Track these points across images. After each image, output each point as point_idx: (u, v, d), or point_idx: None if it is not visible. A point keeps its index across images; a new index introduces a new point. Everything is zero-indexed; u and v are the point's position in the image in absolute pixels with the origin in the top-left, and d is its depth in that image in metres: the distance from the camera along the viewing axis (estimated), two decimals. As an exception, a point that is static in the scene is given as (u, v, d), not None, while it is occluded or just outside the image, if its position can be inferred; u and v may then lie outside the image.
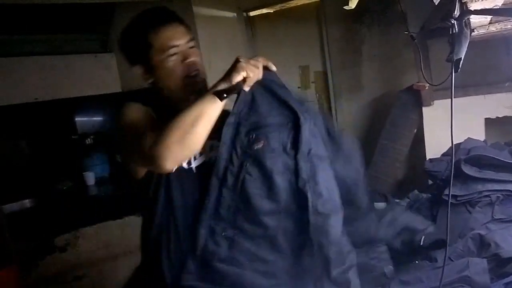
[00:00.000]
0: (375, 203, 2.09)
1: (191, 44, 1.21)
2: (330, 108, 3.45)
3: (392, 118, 2.73)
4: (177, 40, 1.19)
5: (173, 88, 1.20)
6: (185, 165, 1.17)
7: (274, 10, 3.51)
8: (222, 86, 1.06)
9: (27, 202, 3.41)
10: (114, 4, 3.39)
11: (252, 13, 3.59)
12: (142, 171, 1.19)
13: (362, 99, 3.24)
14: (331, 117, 3.45)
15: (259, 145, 1.11)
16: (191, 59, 1.20)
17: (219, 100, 1.05)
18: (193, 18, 3.07)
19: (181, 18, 1.25)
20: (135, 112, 1.20)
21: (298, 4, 3.40)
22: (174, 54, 1.18)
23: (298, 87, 3.58)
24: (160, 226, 1.20)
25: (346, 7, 1.98)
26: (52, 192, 3.59)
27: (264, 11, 3.54)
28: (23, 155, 3.48)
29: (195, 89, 1.20)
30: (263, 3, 3.48)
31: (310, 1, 3.35)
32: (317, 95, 3.51)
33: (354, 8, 2.73)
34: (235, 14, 3.52)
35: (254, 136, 1.12)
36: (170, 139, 1.04)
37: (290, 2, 3.37)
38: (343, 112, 3.37)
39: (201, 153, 1.20)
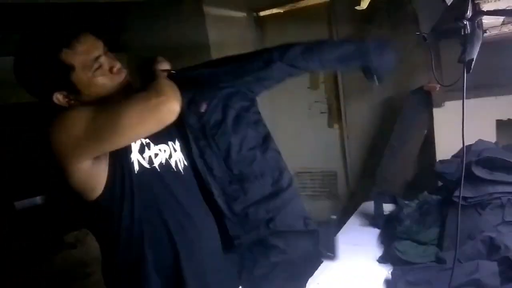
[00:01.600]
0: (384, 204, 2.09)
1: (105, 49, 1.15)
2: (339, 109, 3.44)
3: (402, 119, 2.72)
4: (96, 51, 1.11)
5: (101, 92, 1.13)
6: (146, 165, 1.17)
7: (284, 10, 3.50)
8: None
9: (38, 199, 3.45)
10: (126, 3, 3.41)
11: (262, 13, 3.60)
12: (98, 190, 1.11)
13: (372, 100, 3.22)
14: (341, 117, 3.45)
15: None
16: (117, 66, 1.15)
17: None
18: (203, 18, 3.08)
19: (84, 27, 1.14)
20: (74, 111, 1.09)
21: (309, 4, 3.39)
22: (99, 67, 1.11)
23: (308, 87, 3.58)
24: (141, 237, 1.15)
25: (357, 7, 1.97)
26: (62, 190, 3.62)
27: (274, 11, 3.54)
28: (34, 152, 3.52)
29: (120, 81, 1.16)
30: (273, 3, 3.48)
31: (320, 1, 3.34)
32: (327, 95, 3.51)
33: (366, 8, 2.72)
34: (245, 14, 3.53)
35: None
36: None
37: (300, 2, 3.37)
38: (353, 113, 3.36)
39: (156, 154, 1.21)
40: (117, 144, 1.08)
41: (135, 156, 1.15)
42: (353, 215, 2.26)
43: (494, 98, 2.37)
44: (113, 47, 3.69)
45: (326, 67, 1.52)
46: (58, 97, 1.10)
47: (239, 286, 1.41)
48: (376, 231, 2.00)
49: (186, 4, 3.13)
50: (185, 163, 1.29)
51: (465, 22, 0.95)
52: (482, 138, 1.96)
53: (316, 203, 3.76)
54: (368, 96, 3.23)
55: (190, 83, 1.29)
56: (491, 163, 1.65)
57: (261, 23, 3.64)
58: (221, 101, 1.36)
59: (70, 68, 1.06)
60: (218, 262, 1.31)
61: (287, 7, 3.47)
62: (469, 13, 0.96)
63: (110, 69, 1.13)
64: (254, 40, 3.62)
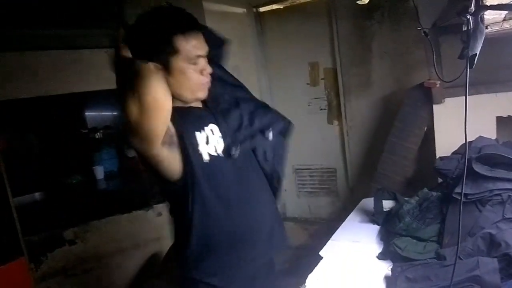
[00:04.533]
0: (383, 201, 2.08)
1: (207, 56, 1.27)
2: (339, 105, 3.44)
3: (402, 115, 2.71)
4: (201, 50, 1.23)
5: (182, 94, 1.27)
6: (214, 153, 1.30)
7: (284, 6, 3.50)
8: None
9: (37, 195, 3.45)
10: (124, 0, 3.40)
11: (262, 9, 3.59)
12: (176, 175, 1.24)
13: (372, 96, 3.22)
14: (340, 113, 3.45)
15: None
16: (208, 71, 1.27)
17: None
18: (203, 14, 3.06)
19: (203, 27, 1.28)
20: None
21: (308, 0, 3.38)
22: (196, 64, 1.23)
23: (307, 84, 3.57)
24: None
25: (359, 2, 1.96)
26: (61, 186, 3.62)
27: (274, 7, 3.53)
28: (34, 148, 3.52)
29: (203, 97, 1.32)
30: (273, -2, 3.47)
31: (320, -3, 3.33)
32: (326, 91, 3.50)
33: (366, 4, 2.71)
34: (244, 10, 3.52)
35: None
36: None
37: (300, -2, 3.37)
38: (353, 109, 3.36)
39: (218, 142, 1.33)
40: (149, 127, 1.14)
41: (203, 148, 1.27)
42: (353, 211, 2.26)
43: (495, 95, 2.36)
44: (112, 43, 3.65)
45: None
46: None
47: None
48: (376, 228, 1.99)
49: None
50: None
51: (468, 17, 0.95)
52: (482, 135, 1.96)
53: (315, 199, 3.76)
54: (368, 93, 3.22)
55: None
56: (491, 160, 1.65)
57: (260, 19, 3.63)
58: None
59: (176, 51, 1.18)
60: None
61: (287, 3, 3.46)
62: (472, 7, 0.95)
63: (201, 71, 1.25)
64: (253, 36, 3.61)
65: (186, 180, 1.25)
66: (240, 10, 3.48)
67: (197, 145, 1.26)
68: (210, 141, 1.30)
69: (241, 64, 3.17)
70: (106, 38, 3.68)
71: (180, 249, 1.36)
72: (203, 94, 1.30)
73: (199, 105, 1.37)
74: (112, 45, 1.27)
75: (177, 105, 1.26)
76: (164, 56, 1.19)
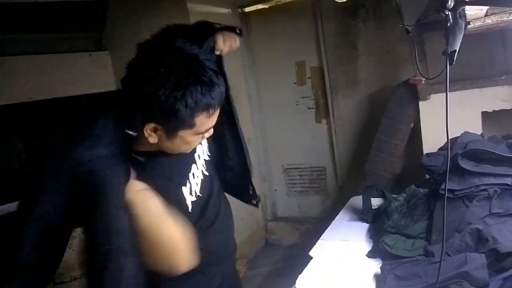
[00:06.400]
0: (372, 199, 2.08)
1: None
2: (327, 104, 3.44)
3: (388, 113, 2.72)
4: (211, 124, 1.08)
5: (170, 151, 1.10)
6: (194, 199, 1.22)
7: (269, 5, 3.49)
8: None
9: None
10: (108, 1, 3.36)
11: (247, 9, 3.58)
12: None
13: (359, 94, 3.23)
14: (328, 112, 3.45)
15: None
16: (210, 133, 1.13)
17: None
18: (187, 15, 3.04)
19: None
20: None
21: (293, -1, 3.38)
22: (203, 134, 1.09)
23: (295, 83, 3.57)
24: None
25: (338, 0, 1.96)
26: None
27: (259, 6, 3.52)
28: (18, 155, 3.46)
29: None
30: (258, -2, 3.46)
31: (305, -4, 3.33)
32: (314, 90, 3.50)
33: (350, 2, 2.71)
34: (230, 10, 3.50)
35: None
36: None
37: (285, -3, 3.36)
38: (340, 108, 3.36)
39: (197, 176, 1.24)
40: None
41: (189, 200, 1.20)
42: (342, 210, 2.25)
43: (479, 90, 2.38)
44: (96, 46, 3.64)
45: None
46: (149, 127, 1.02)
47: None
48: (365, 226, 1.99)
49: (169, 1, 3.09)
50: (208, 158, 1.33)
51: (447, 13, 0.94)
52: (468, 130, 1.96)
53: (305, 198, 3.76)
54: (355, 91, 3.23)
55: None
56: (477, 155, 1.65)
57: (246, 19, 3.62)
58: None
59: (191, 125, 1.02)
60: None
61: (272, 3, 3.46)
62: (450, 3, 0.94)
63: (203, 135, 1.12)
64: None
65: None
66: (225, 10, 3.46)
67: (184, 200, 1.18)
68: (192, 189, 1.21)
69: (227, 65, 3.15)
70: (90, 42, 3.66)
71: None
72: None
73: None
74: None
75: (151, 151, 1.10)
76: (174, 126, 1.02)
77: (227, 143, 1.37)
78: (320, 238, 1.94)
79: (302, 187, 3.77)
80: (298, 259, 1.78)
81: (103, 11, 3.46)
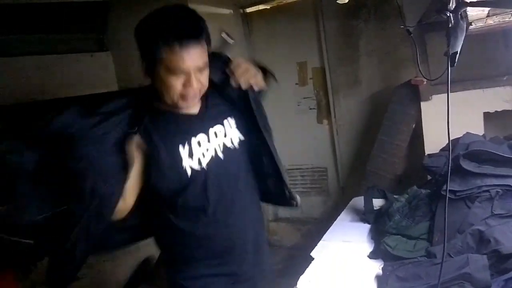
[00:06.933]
0: (373, 200, 2.08)
1: (201, 67, 1.16)
2: (328, 104, 3.44)
3: (390, 113, 2.72)
4: (187, 64, 1.12)
5: (165, 99, 1.19)
6: (197, 167, 1.24)
7: (271, 6, 3.49)
8: None
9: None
10: (109, 2, 3.37)
11: (248, 10, 3.58)
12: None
13: (360, 95, 3.22)
14: (329, 113, 3.45)
15: None
16: (194, 84, 1.16)
17: None
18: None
19: (202, 33, 1.16)
20: None
21: (295, 0, 3.37)
22: (179, 75, 1.14)
23: (296, 84, 3.57)
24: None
25: (339, 1, 1.95)
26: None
27: (261, 7, 3.52)
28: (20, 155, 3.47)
29: (186, 108, 1.24)
30: (259, -1, 3.46)
31: (306, -3, 3.32)
32: (315, 91, 3.50)
33: (351, 3, 2.71)
34: (231, 11, 3.50)
35: None
36: None
37: (286, -2, 3.36)
38: (342, 108, 3.36)
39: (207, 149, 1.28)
40: None
41: (186, 163, 1.23)
42: (344, 211, 2.25)
43: (481, 91, 2.37)
44: (98, 47, 3.65)
45: None
46: (143, 66, 1.18)
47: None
48: (367, 227, 1.99)
49: (170, 1, 3.10)
50: (242, 137, 1.36)
51: (448, 14, 0.94)
52: (469, 131, 1.96)
53: (307, 199, 3.76)
54: (356, 91, 3.23)
55: None
56: (479, 156, 1.65)
57: (247, 20, 3.62)
58: None
59: (159, 60, 1.12)
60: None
61: (274, 3, 3.45)
62: (452, 4, 0.94)
63: (184, 84, 1.16)
64: (241, 37, 3.59)
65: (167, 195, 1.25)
66: (226, 11, 3.47)
67: (180, 160, 1.23)
68: (195, 153, 1.25)
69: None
70: (91, 42, 3.66)
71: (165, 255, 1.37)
72: (186, 105, 1.22)
73: (195, 110, 1.30)
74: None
75: (166, 109, 1.23)
76: (148, 62, 1.16)
77: (261, 150, 1.39)
78: (322, 239, 1.94)
79: (303, 187, 3.76)
80: (300, 260, 1.78)
81: (104, 11, 3.47)
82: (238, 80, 1.29)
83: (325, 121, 3.52)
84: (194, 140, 1.26)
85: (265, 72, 1.44)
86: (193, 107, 1.28)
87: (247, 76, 1.31)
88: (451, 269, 1.32)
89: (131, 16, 3.30)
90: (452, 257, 1.43)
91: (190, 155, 1.24)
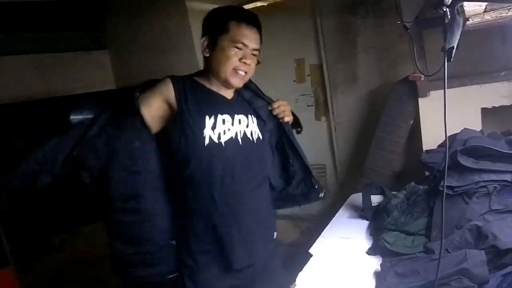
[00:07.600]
0: (372, 196, 2.08)
1: (256, 52, 1.41)
2: (326, 101, 3.43)
3: (388, 110, 2.72)
4: (248, 41, 1.37)
5: (218, 71, 1.38)
6: (215, 139, 1.36)
7: (268, 3, 3.48)
8: None
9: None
10: (107, 0, 3.36)
11: (245, 7, 3.55)
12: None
13: (358, 91, 3.22)
14: (327, 110, 3.45)
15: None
16: (248, 61, 1.38)
17: None
18: (186, 13, 3.04)
19: (261, 29, 1.44)
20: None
21: (292, -4, 3.37)
22: (238, 49, 1.36)
23: (294, 81, 3.56)
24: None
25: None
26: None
27: (258, 4, 3.51)
28: (19, 153, 3.46)
29: (233, 84, 1.41)
30: (256, -4, 3.45)
31: (304, -6, 3.32)
32: (313, 88, 3.50)
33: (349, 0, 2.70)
34: (228, 8, 3.48)
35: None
36: None
37: (283, -6, 3.35)
38: (340, 105, 3.36)
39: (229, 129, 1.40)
40: None
41: (207, 132, 1.35)
42: (342, 207, 2.26)
43: (479, 86, 2.37)
44: (95, 45, 3.65)
45: None
46: (205, 41, 1.40)
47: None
48: (365, 223, 1.99)
49: (169, 0, 3.09)
50: (260, 136, 1.51)
51: (444, 9, 0.94)
52: (467, 127, 1.96)
53: (305, 196, 3.75)
54: (354, 88, 3.23)
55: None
56: (477, 152, 1.65)
57: (245, 17, 3.61)
58: None
59: (226, 31, 1.35)
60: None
61: (271, 0, 3.45)
62: (448, -1, 0.94)
63: (242, 58, 1.37)
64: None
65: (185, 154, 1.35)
66: (223, 8, 3.46)
67: (203, 127, 1.34)
68: (217, 128, 1.37)
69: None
70: (88, 40, 3.65)
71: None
72: (235, 81, 1.39)
73: (229, 95, 1.46)
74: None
75: (206, 85, 1.42)
76: (215, 33, 1.36)
77: (288, 152, 1.64)
78: (320, 236, 1.95)
79: (302, 184, 3.76)
80: (298, 256, 1.78)
81: (102, 10, 3.45)
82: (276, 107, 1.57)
83: (323, 118, 3.52)
84: (220, 117, 1.39)
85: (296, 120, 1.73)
86: (228, 93, 1.46)
87: (285, 110, 1.60)
88: (449, 265, 1.32)
89: (128, 15, 3.31)
90: (450, 252, 1.44)
91: (213, 127, 1.36)
